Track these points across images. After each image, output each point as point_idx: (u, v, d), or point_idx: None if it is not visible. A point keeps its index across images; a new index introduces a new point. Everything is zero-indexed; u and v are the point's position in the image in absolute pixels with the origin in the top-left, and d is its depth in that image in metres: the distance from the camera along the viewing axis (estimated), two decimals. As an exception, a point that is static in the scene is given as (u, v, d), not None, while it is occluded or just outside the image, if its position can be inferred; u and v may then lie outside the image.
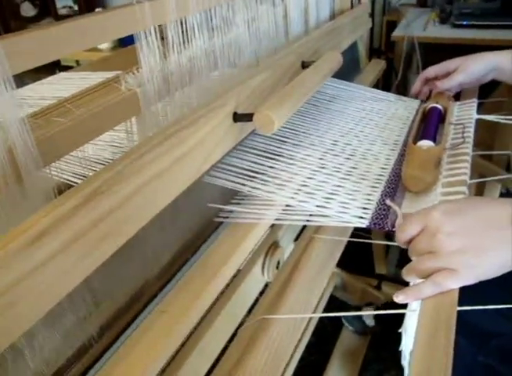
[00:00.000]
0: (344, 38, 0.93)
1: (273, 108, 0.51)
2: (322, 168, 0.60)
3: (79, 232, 0.35)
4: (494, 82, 0.97)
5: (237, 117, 0.53)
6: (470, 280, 0.40)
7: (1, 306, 0.30)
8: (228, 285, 0.55)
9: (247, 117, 0.52)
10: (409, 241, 0.44)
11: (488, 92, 1.06)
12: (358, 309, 1.21)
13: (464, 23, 1.33)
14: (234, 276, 0.58)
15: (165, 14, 0.51)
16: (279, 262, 0.65)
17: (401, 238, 0.45)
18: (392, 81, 1.55)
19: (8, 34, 0.37)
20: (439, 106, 0.71)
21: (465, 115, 0.73)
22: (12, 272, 0.30)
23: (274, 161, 0.61)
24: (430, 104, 0.72)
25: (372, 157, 0.64)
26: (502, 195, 1.28)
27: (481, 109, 1.04)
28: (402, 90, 1.43)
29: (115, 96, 0.47)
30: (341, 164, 0.61)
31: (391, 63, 1.77)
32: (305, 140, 0.66)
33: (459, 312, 0.39)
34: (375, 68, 1.12)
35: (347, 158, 0.63)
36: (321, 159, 0.62)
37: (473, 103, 0.76)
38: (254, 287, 0.61)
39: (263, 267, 0.63)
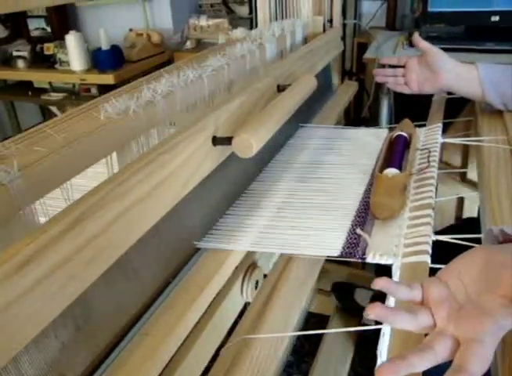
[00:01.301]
0: (318, 61, 0.96)
1: (251, 132, 0.53)
2: (293, 202, 0.62)
3: (64, 258, 0.36)
4: (463, 101, 1.02)
5: (216, 141, 0.54)
6: None
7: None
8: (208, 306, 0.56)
9: (226, 141, 0.53)
10: None
11: (457, 111, 1.11)
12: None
13: (432, 46, 1.39)
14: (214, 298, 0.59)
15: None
16: (257, 282, 0.66)
17: None
18: (364, 102, 1.60)
19: None
20: (404, 134, 0.74)
21: (431, 140, 0.76)
22: (-3, 300, 0.31)
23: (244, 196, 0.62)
24: (396, 133, 0.75)
25: (342, 189, 0.66)
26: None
27: (451, 129, 1.08)
28: (374, 110, 1.47)
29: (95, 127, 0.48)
30: (312, 198, 0.63)
31: (363, 84, 1.82)
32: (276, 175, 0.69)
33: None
34: (347, 90, 1.15)
35: (319, 191, 0.66)
36: (292, 193, 0.64)
37: (438, 128, 0.80)
38: (233, 308, 0.62)
39: (242, 288, 0.64)
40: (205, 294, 0.48)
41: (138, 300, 0.47)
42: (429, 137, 0.78)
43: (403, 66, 0.95)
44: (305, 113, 0.97)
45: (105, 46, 1.78)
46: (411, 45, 1.41)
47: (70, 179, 0.46)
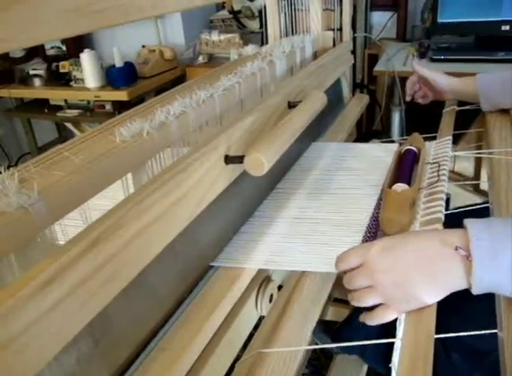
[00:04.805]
0: (328, 76, 0.97)
1: (263, 150, 0.54)
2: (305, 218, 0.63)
3: (84, 277, 0.37)
4: (474, 113, 1.03)
5: (228, 160, 0.56)
6: (404, 310, 0.46)
7: (10, 353, 0.31)
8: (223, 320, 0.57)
9: (238, 160, 0.55)
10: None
11: (469, 122, 1.11)
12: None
13: (442, 57, 1.40)
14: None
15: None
16: (272, 296, 0.67)
17: (339, 267, 0.50)
18: (376, 114, 1.61)
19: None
20: (413, 148, 0.74)
21: (441, 153, 0.76)
22: (21, 320, 0.32)
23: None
24: (405, 147, 0.75)
25: (353, 204, 0.67)
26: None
27: (463, 139, 1.09)
28: (386, 122, 1.48)
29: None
30: (324, 214, 0.65)
31: (374, 95, 1.83)
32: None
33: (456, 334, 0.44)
34: (358, 103, 1.16)
35: (330, 207, 0.67)
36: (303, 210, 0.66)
37: (448, 141, 0.80)
38: (248, 322, 0.63)
39: (256, 301, 0.65)
40: (219, 309, 0.50)
41: (155, 315, 0.48)
42: (439, 150, 0.79)
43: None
44: (316, 128, 0.98)
45: (118, 63, 1.82)
46: (421, 56, 1.42)
47: (88, 201, 0.48)
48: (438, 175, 0.68)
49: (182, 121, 0.57)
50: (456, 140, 1.07)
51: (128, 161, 0.51)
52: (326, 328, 0.94)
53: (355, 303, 0.48)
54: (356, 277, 0.47)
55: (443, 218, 0.58)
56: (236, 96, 0.71)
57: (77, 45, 2.15)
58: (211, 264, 0.58)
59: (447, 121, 0.96)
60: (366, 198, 0.68)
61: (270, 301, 0.66)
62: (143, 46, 2.13)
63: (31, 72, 2.06)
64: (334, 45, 1.14)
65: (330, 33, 1.12)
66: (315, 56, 1.09)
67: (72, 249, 0.36)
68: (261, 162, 0.53)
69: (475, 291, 0.41)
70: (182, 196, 0.48)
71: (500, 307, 0.45)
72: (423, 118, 1.09)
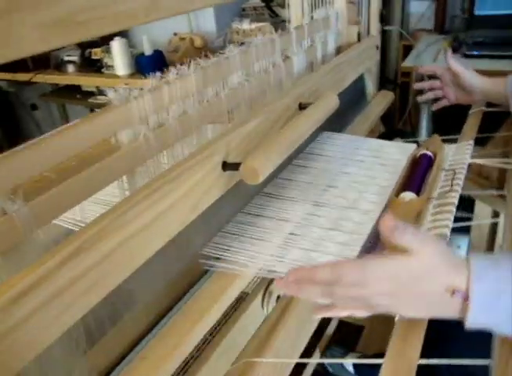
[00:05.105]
0: (348, 74, 0.94)
1: (259, 160, 0.53)
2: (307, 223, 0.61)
3: (60, 288, 0.37)
4: (502, 116, 0.98)
5: (226, 167, 0.55)
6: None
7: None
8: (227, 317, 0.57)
9: (235, 167, 0.54)
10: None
11: (498, 124, 1.06)
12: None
13: (475, 53, 1.33)
14: (235, 310, 0.60)
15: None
16: (279, 297, 0.66)
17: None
18: (407, 106, 1.54)
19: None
20: (429, 153, 0.71)
21: (459, 159, 0.73)
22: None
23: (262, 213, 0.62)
24: (420, 151, 0.72)
25: (358, 209, 0.63)
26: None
27: (491, 143, 1.04)
28: (414, 119, 1.43)
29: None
30: (326, 217, 0.62)
31: (407, 88, 1.76)
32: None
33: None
34: (382, 100, 1.13)
35: (334, 210, 0.64)
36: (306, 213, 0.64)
37: (468, 146, 0.76)
38: (254, 322, 0.62)
39: (263, 301, 0.64)
40: (205, 320, 0.49)
41: (138, 324, 0.49)
42: (457, 156, 0.75)
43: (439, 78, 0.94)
44: (336, 125, 0.95)
45: (147, 51, 1.82)
46: (454, 51, 1.35)
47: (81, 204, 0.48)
48: (452, 185, 0.65)
49: (183, 122, 0.57)
50: (483, 143, 1.02)
51: (123, 165, 0.51)
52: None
53: (336, 313, 0.47)
54: (349, 297, 0.43)
55: (449, 233, 0.55)
56: (245, 95, 0.69)
57: (110, 31, 2.17)
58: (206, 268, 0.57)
59: (471, 124, 0.92)
60: (373, 204, 0.64)
61: (277, 300, 0.66)
62: (175, 34, 2.12)
63: (65, 58, 2.09)
64: (359, 39, 1.10)
65: (355, 27, 1.08)
66: (339, 51, 1.06)
67: (48, 262, 0.37)
68: (255, 172, 0.52)
69: (468, 327, 0.39)
70: (171, 205, 0.47)
71: (494, 338, 0.43)
72: (454, 118, 1.04)
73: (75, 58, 2.08)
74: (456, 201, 0.61)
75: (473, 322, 0.38)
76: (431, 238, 0.43)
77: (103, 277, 0.41)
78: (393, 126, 1.49)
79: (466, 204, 1.08)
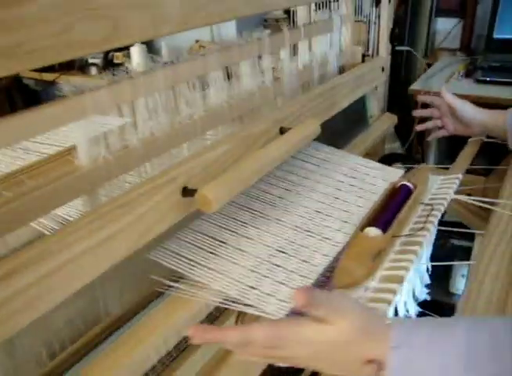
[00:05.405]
0: (344, 97, 0.93)
1: (215, 187, 0.53)
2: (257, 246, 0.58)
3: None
4: (505, 149, 0.95)
5: (186, 193, 0.55)
6: None
7: None
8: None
9: (192, 193, 0.54)
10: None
11: (499, 159, 1.03)
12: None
13: (488, 78, 1.28)
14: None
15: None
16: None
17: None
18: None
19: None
20: (409, 185, 0.69)
21: (441, 193, 0.70)
22: None
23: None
24: (401, 182, 0.70)
25: (318, 242, 0.59)
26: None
27: (494, 173, 1.00)
28: (420, 139, 1.39)
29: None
30: (280, 243, 0.59)
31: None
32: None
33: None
34: (384, 123, 1.11)
35: (293, 234, 0.60)
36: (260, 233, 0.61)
37: (455, 180, 0.74)
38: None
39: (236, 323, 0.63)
40: (146, 344, 0.49)
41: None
42: (442, 190, 0.73)
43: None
44: (331, 145, 0.93)
45: (165, 58, 1.85)
46: (467, 75, 1.32)
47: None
48: (425, 221, 0.63)
49: (149, 143, 0.57)
50: (487, 174, 0.99)
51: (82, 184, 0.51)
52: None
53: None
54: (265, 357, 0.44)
55: (407, 276, 0.54)
56: (225, 115, 0.69)
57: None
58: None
59: (467, 153, 0.89)
60: (338, 233, 0.61)
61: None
62: (196, 41, 2.15)
63: (90, 60, 2.15)
64: (363, 60, 1.09)
65: (358, 48, 1.07)
66: (342, 70, 1.05)
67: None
68: (208, 201, 0.51)
69: None
70: (119, 230, 0.48)
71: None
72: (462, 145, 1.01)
73: (98, 60, 2.13)
74: (425, 241, 0.59)
75: None
76: (350, 306, 0.42)
77: (38, 299, 0.41)
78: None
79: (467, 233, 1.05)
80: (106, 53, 2.14)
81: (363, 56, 1.09)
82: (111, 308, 0.58)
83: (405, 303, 0.55)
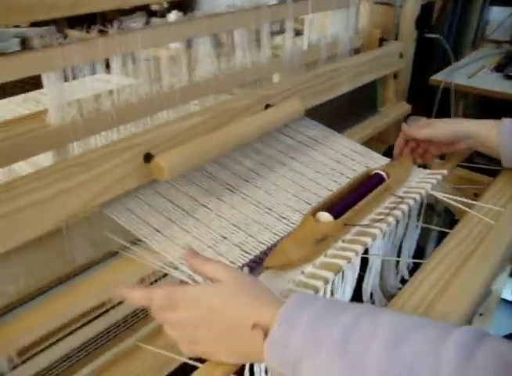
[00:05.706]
0: (345, 82, 0.91)
1: (170, 157, 0.55)
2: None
3: None
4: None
5: (146, 159, 0.57)
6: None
7: None
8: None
9: (149, 160, 0.56)
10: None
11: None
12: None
13: (516, 74, 1.22)
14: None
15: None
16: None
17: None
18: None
19: None
20: (382, 173, 0.68)
21: (418, 187, 0.69)
22: None
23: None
24: (375, 170, 0.69)
25: (274, 219, 0.60)
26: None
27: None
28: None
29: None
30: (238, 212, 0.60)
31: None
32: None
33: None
34: (394, 111, 1.08)
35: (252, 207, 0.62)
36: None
37: (438, 176, 0.72)
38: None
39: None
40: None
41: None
42: (421, 184, 0.71)
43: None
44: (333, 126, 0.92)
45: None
46: (497, 69, 1.24)
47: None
48: (388, 214, 0.62)
49: (122, 109, 0.59)
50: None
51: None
52: None
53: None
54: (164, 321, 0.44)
55: (344, 267, 0.53)
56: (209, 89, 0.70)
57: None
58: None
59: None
60: (293, 214, 0.62)
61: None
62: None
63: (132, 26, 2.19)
64: (381, 45, 1.06)
65: (377, 31, 1.04)
66: (357, 52, 1.03)
67: None
68: (161, 169, 0.54)
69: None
70: (72, 187, 0.51)
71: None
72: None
73: (139, 25, 2.17)
74: (377, 233, 0.57)
75: (268, 360, 0.38)
76: (242, 274, 0.45)
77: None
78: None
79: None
80: (149, 18, 2.17)
81: (381, 40, 1.06)
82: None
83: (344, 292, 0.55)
